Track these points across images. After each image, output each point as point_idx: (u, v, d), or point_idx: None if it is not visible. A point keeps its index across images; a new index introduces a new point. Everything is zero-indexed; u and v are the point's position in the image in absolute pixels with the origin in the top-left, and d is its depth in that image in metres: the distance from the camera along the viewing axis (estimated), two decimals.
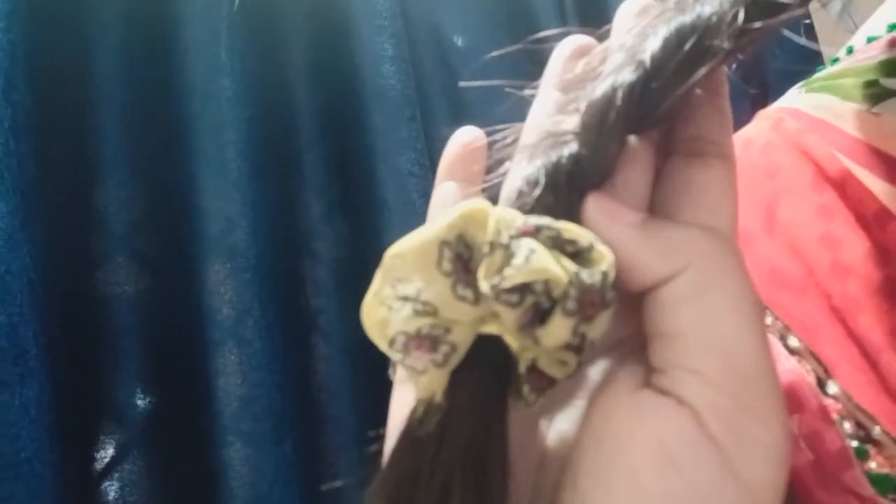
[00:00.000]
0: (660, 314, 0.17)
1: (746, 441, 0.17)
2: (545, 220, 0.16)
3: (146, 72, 0.67)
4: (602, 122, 0.18)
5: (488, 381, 0.17)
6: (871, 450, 0.23)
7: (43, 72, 0.62)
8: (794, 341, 0.26)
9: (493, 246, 0.16)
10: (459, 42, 0.85)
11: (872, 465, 0.23)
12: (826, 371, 0.25)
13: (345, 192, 0.74)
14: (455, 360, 0.16)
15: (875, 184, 0.26)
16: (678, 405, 0.17)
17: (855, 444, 0.23)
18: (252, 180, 0.69)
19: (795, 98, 0.32)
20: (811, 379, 0.25)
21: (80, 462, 0.61)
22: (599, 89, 0.19)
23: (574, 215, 0.18)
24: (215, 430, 0.64)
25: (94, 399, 0.63)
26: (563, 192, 0.18)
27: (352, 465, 0.70)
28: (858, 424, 0.24)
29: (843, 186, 0.27)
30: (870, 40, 0.31)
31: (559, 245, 0.16)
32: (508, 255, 0.16)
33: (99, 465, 0.63)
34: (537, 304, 0.16)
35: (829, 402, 0.25)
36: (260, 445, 0.64)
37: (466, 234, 0.16)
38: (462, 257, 0.16)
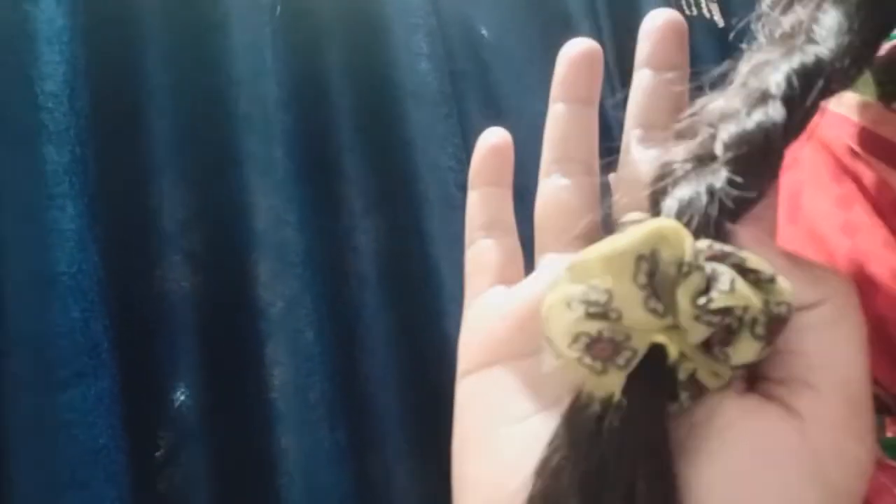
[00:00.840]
0: (794, 335, 0.19)
1: (842, 453, 0.19)
2: (729, 248, 0.18)
3: (195, 77, 0.70)
4: (762, 153, 0.19)
5: (658, 385, 0.19)
6: (887, 419, 0.25)
7: (100, 81, 0.65)
8: None
9: (691, 267, 0.17)
10: (487, 34, 0.86)
11: (887, 432, 0.25)
12: None
13: (385, 187, 0.77)
14: (634, 364, 0.18)
15: (891, 175, 0.28)
16: (786, 412, 0.19)
17: None
18: (297, 178, 0.72)
19: None
20: None
21: (145, 450, 0.64)
22: (749, 123, 0.20)
23: (726, 241, 0.19)
24: (270, 418, 0.67)
25: (155, 390, 0.66)
26: (717, 218, 0.19)
27: (398, 454, 0.72)
28: (875, 396, 0.26)
29: (861, 178, 0.29)
30: (891, 38, 0.33)
31: (743, 273, 0.17)
32: (707, 278, 0.17)
33: (162, 453, 0.66)
34: (729, 327, 0.17)
35: None
36: (313, 432, 0.66)
37: (657, 250, 0.17)
38: (652, 272, 0.17)
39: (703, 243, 0.18)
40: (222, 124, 0.70)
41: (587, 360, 0.18)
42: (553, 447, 0.19)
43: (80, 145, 0.59)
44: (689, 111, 0.22)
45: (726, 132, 0.20)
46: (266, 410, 0.66)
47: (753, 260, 0.18)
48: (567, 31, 0.87)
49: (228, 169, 0.70)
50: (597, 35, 0.88)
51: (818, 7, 0.22)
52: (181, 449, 0.66)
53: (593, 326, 0.18)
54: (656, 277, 0.17)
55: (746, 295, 0.17)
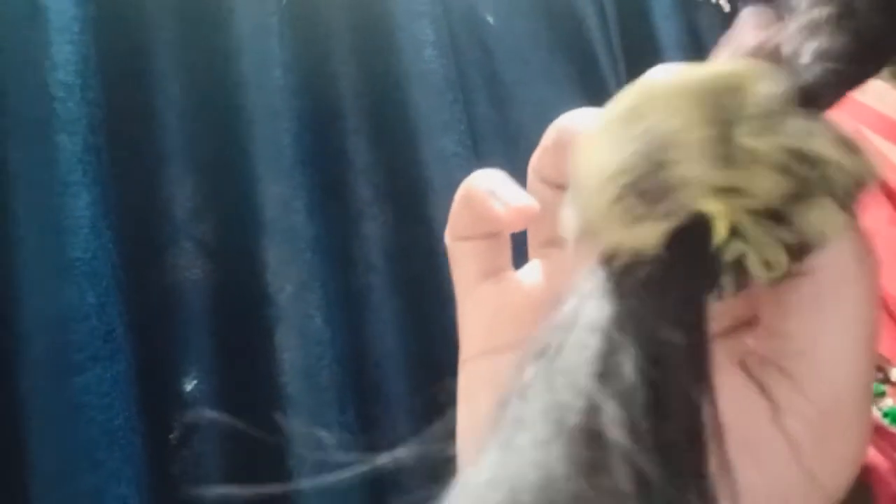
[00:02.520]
0: (777, 309, 0.17)
1: (826, 450, 0.17)
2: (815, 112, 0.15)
3: (203, 67, 0.71)
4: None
5: (701, 257, 0.15)
6: (888, 389, 0.26)
7: (111, 71, 0.66)
8: None
9: (776, 111, 0.14)
10: (493, 21, 0.86)
11: (889, 401, 0.26)
12: None
13: (392, 174, 0.77)
14: (677, 219, 0.14)
15: None
16: (763, 397, 0.17)
17: (875, 385, 0.26)
18: (305, 166, 0.72)
19: None
20: None
21: (159, 432, 0.66)
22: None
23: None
24: (281, 401, 0.68)
25: (168, 374, 0.67)
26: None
27: (405, 436, 0.73)
28: (878, 368, 0.26)
29: None
30: None
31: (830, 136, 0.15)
32: (785, 122, 0.14)
33: (175, 436, 0.67)
34: (807, 181, 0.14)
35: None
36: (323, 415, 0.68)
37: (742, 92, 0.14)
38: (728, 113, 0.14)
39: (788, 92, 0.15)
40: (231, 113, 0.71)
41: (623, 203, 0.14)
42: (571, 295, 0.15)
43: (93, 134, 0.60)
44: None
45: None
46: (276, 394, 0.68)
47: (840, 127, 0.15)
48: (572, 16, 0.87)
49: (237, 157, 0.71)
50: (602, 22, 0.88)
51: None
52: (194, 432, 0.68)
53: (639, 168, 0.14)
54: (731, 120, 0.14)
55: (835, 149, 0.14)
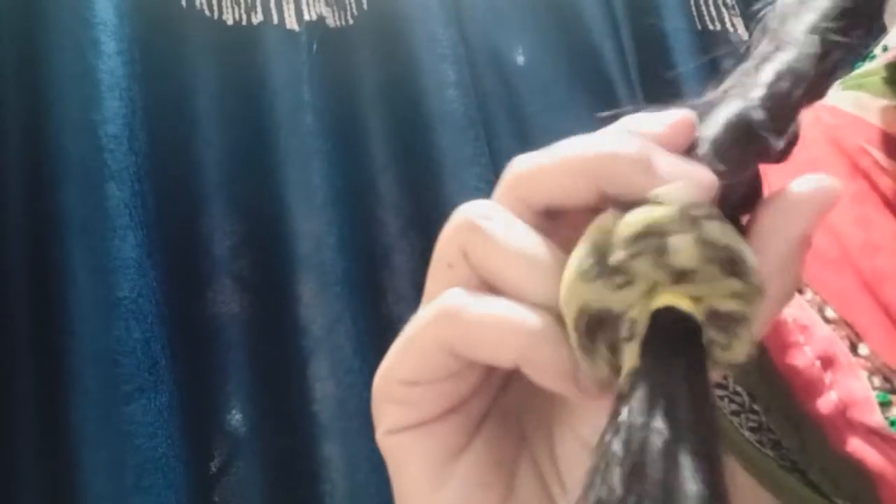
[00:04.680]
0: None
1: None
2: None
3: (239, 114, 0.76)
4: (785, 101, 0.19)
5: (680, 343, 0.17)
6: (895, 399, 0.27)
7: (155, 123, 0.71)
8: (830, 312, 0.30)
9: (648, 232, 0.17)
10: (520, 61, 0.90)
11: (895, 411, 0.27)
12: (858, 336, 0.29)
13: (418, 209, 0.81)
14: (640, 332, 0.17)
15: None
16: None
17: (882, 394, 0.27)
18: (336, 203, 0.76)
19: (833, 95, 0.35)
20: (844, 343, 0.29)
21: (201, 461, 0.69)
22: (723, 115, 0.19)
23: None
24: (314, 429, 0.71)
25: (209, 405, 0.70)
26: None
27: None
28: (885, 378, 0.28)
29: (872, 175, 0.31)
30: None
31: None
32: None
33: (216, 464, 0.70)
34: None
35: (860, 361, 0.29)
36: (355, 441, 0.70)
37: (599, 244, 0.17)
38: (601, 260, 0.17)
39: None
40: (265, 156, 0.75)
41: (589, 342, 0.17)
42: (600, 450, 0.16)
43: (139, 181, 0.65)
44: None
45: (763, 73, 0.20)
46: (309, 422, 0.71)
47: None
48: (591, 51, 0.90)
49: (272, 197, 0.75)
50: (620, 55, 0.90)
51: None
52: (233, 461, 0.70)
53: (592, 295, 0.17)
54: (606, 262, 0.17)
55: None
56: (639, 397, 0.16)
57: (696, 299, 0.17)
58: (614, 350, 0.17)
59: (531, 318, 0.18)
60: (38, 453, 0.59)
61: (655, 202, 0.17)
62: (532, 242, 0.19)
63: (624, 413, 0.16)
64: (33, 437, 0.60)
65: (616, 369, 0.17)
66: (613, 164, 0.18)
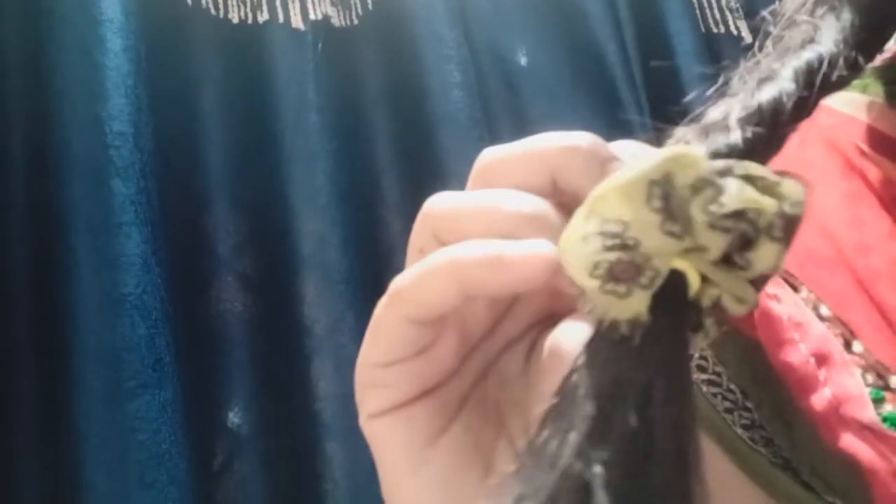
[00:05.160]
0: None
1: None
2: (732, 161, 0.18)
3: (244, 113, 0.76)
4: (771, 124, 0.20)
5: (681, 310, 0.18)
6: (888, 395, 0.27)
7: (161, 120, 0.71)
8: (824, 310, 0.30)
9: (704, 182, 0.17)
10: (523, 62, 0.90)
11: (889, 407, 0.27)
12: (852, 333, 0.29)
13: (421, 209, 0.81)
14: (658, 283, 0.18)
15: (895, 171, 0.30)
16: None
17: (875, 391, 0.28)
18: (340, 202, 0.77)
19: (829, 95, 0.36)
20: (838, 341, 0.29)
21: (203, 457, 0.69)
22: (759, 96, 0.20)
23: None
24: (317, 427, 0.71)
25: (212, 402, 0.71)
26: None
27: None
28: (878, 375, 0.28)
29: (867, 175, 0.31)
30: None
31: (751, 181, 0.17)
32: (719, 190, 0.17)
33: (218, 461, 0.71)
34: (745, 232, 0.17)
35: (854, 358, 0.29)
36: (357, 440, 0.70)
37: (671, 175, 0.17)
38: (667, 195, 0.17)
39: (712, 162, 0.18)
40: (270, 155, 0.76)
41: (609, 285, 0.17)
42: (571, 370, 0.18)
43: (144, 178, 0.65)
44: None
45: (736, 110, 0.20)
46: (312, 421, 0.71)
47: (757, 167, 0.18)
48: (595, 53, 0.90)
49: (276, 196, 0.75)
50: (624, 57, 0.91)
51: (820, 18, 0.24)
52: (236, 458, 0.71)
53: (612, 255, 0.17)
54: (671, 200, 0.17)
55: (754, 198, 0.17)
56: (634, 348, 0.17)
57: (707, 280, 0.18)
58: (623, 289, 0.18)
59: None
60: (40, 449, 0.60)
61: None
62: (486, 194, 0.20)
63: (622, 358, 0.17)
64: (36, 432, 0.60)
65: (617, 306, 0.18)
66: (568, 159, 0.20)
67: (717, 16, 0.98)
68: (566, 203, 0.20)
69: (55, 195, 0.63)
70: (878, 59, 0.35)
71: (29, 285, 0.63)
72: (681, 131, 0.21)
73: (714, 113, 0.21)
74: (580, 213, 0.18)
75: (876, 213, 0.30)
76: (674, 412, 0.16)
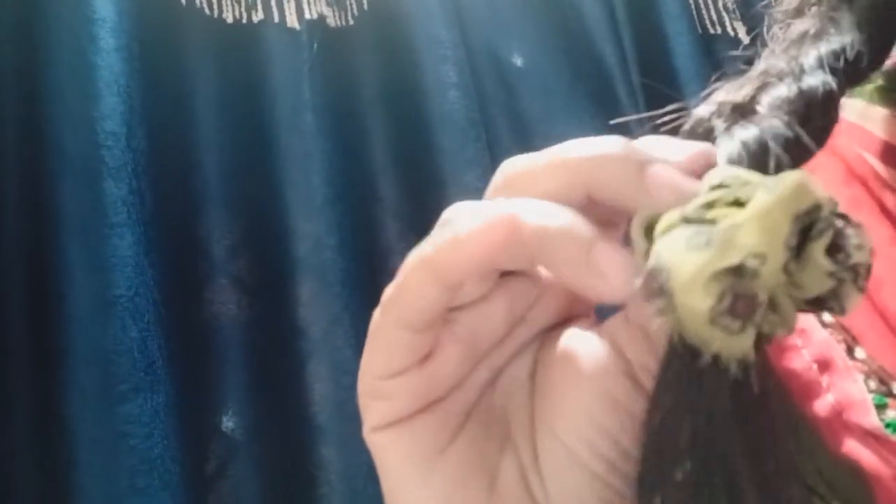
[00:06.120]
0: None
1: None
2: (833, 199, 0.17)
3: (239, 113, 0.76)
4: (821, 108, 0.20)
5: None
6: (891, 401, 0.27)
7: (154, 120, 0.71)
8: (827, 316, 0.30)
9: (827, 223, 0.17)
10: (519, 63, 0.90)
11: (892, 413, 0.27)
12: (854, 339, 0.29)
13: (418, 210, 0.80)
14: (762, 321, 0.17)
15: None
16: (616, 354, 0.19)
17: (878, 397, 0.27)
18: (336, 204, 0.76)
19: None
20: (841, 347, 0.29)
21: (196, 462, 0.69)
22: (804, 84, 0.20)
23: None
24: (312, 431, 0.70)
25: (205, 406, 0.70)
26: (782, 163, 0.18)
27: None
28: (881, 381, 0.28)
29: (868, 182, 0.31)
30: None
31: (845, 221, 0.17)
32: (841, 237, 0.17)
33: (211, 466, 0.70)
34: (840, 282, 0.17)
35: (857, 364, 0.29)
36: (353, 444, 0.70)
37: (802, 208, 0.17)
38: (798, 231, 0.16)
39: (826, 195, 0.17)
40: (265, 156, 0.75)
41: (726, 319, 0.16)
42: (660, 408, 0.17)
43: (137, 179, 0.65)
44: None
45: (770, 95, 0.20)
46: (307, 424, 0.70)
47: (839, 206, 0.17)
48: (593, 54, 0.90)
49: (271, 197, 0.75)
50: (621, 58, 0.90)
51: (831, 9, 0.24)
52: (229, 463, 0.70)
53: (731, 284, 0.16)
54: (803, 236, 0.17)
55: (868, 249, 0.17)
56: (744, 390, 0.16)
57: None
58: (737, 325, 0.16)
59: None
60: (32, 453, 0.59)
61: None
62: (484, 206, 0.19)
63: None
64: (27, 436, 0.59)
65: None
66: (601, 168, 0.18)
67: (714, 17, 0.98)
68: (600, 215, 0.19)
69: (47, 195, 0.62)
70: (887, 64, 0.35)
71: (20, 286, 0.62)
72: (702, 110, 0.20)
73: (728, 96, 0.20)
74: (687, 228, 0.17)
75: (877, 219, 0.30)
76: (785, 455, 0.16)
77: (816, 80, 0.20)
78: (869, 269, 0.17)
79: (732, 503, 0.16)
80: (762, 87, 0.20)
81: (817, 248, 0.16)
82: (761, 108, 0.20)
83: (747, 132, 0.19)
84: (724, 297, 0.16)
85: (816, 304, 0.17)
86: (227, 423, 0.70)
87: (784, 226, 0.16)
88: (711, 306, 0.16)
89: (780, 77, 0.21)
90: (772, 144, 0.18)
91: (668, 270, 0.16)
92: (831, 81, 0.20)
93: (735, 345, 0.16)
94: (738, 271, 0.16)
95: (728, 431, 0.16)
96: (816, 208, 0.17)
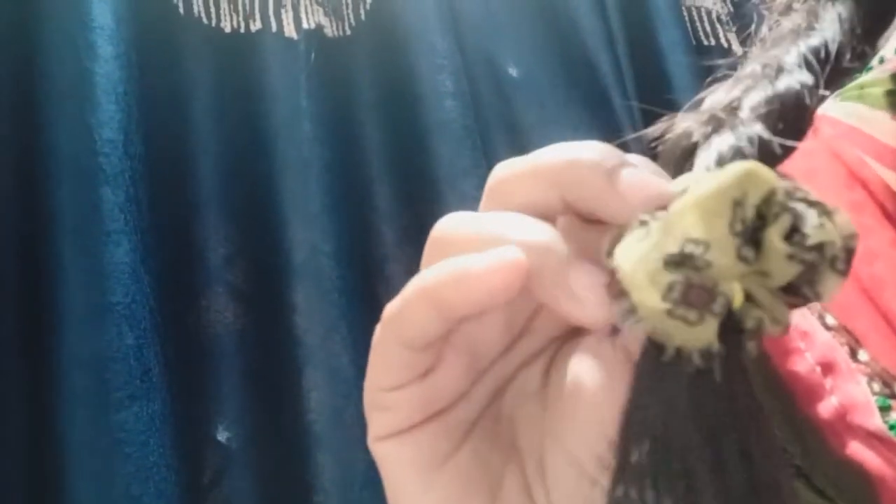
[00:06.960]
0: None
1: None
2: (796, 183, 0.17)
3: (236, 121, 0.76)
4: (796, 109, 0.20)
5: (738, 336, 0.17)
6: (894, 403, 0.27)
7: (151, 128, 0.71)
8: (830, 319, 0.30)
9: (782, 207, 0.16)
10: (514, 73, 0.90)
11: (895, 415, 0.27)
12: (857, 342, 0.29)
13: (414, 218, 0.80)
14: (725, 310, 0.17)
15: None
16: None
17: (881, 399, 0.27)
18: (332, 212, 0.76)
19: (831, 106, 0.35)
20: (844, 349, 0.29)
21: (192, 471, 0.68)
22: (778, 86, 0.20)
23: None
24: (308, 439, 0.70)
25: (201, 414, 0.70)
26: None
27: None
28: (885, 383, 0.28)
29: (869, 185, 0.31)
30: None
31: (814, 206, 0.17)
32: (798, 219, 0.17)
33: (207, 475, 0.70)
34: (815, 264, 0.17)
35: (860, 366, 0.29)
36: (349, 452, 0.69)
37: (747, 193, 0.16)
38: (745, 218, 0.16)
39: (784, 182, 0.17)
40: (262, 164, 0.75)
41: (681, 310, 0.16)
42: (640, 406, 0.17)
43: (134, 186, 0.65)
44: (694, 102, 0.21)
45: (750, 98, 0.20)
46: (304, 432, 0.70)
47: (813, 194, 0.17)
48: (587, 63, 0.90)
49: (268, 205, 0.75)
50: (616, 68, 0.91)
51: (818, 4, 0.24)
52: (225, 472, 0.70)
53: (684, 275, 0.16)
54: (748, 222, 0.16)
55: (832, 229, 0.17)
56: (710, 381, 0.16)
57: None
58: (694, 315, 0.16)
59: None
60: (26, 460, 0.58)
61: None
62: (490, 221, 0.19)
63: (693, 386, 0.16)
64: (21, 443, 0.59)
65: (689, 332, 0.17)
66: (572, 173, 0.18)
67: (708, 28, 0.99)
68: (585, 216, 0.19)
69: (44, 202, 0.62)
70: (882, 70, 0.35)
71: (16, 293, 0.62)
72: (684, 118, 0.20)
73: (716, 99, 0.21)
74: (641, 229, 0.17)
75: (879, 222, 0.30)
76: (766, 446, 0.16)
77: (793, 79, 0.20)
78: (848, 251, 0.17)
79: (690, 490, 0.16)
80: (747, 90, 0.21)
81: (773, 233, 0.16)
82: (742, 112, 0.20)
83: (723, 140, 0.19)
84: (673, 287, 0.16)
85: (794, 293, 0.17)
86: (224, 432, 0.70)
87: (725, 211, 0.16)
88: (662, 296, 0.16)
89: (763, 77, 0.21)
90: (747, 151, 0.18)
91: (619, 269, 0.17)
92: (808, 79, 0.20)
93: (695, 335, 0.16)
94: (683, 260, 0.16)
95: (685, 420, 0.16)
96: (771, 194, 0.16)
